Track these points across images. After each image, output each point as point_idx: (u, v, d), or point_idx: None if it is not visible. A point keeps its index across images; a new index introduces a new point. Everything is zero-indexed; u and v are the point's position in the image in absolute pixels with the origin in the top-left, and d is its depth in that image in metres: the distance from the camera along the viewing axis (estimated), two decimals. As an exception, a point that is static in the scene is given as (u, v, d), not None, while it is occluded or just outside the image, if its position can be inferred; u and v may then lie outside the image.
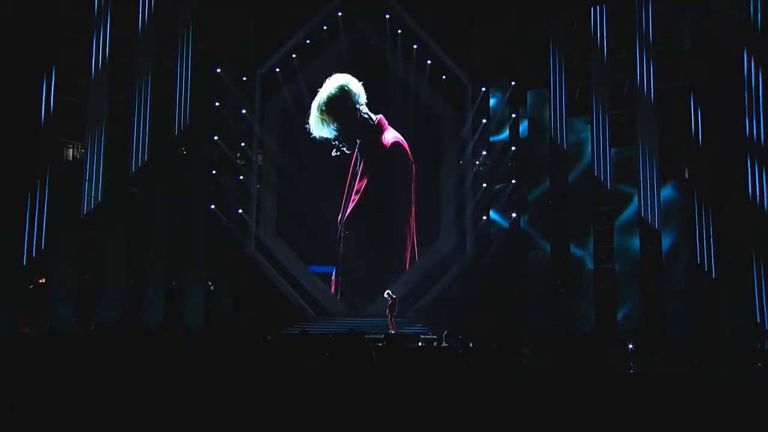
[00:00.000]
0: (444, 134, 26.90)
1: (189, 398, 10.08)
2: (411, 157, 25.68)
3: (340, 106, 25.48)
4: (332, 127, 25.38)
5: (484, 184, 25.80)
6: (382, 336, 18.20)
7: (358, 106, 25.52)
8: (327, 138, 25.56)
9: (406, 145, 25.61)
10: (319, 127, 25.42)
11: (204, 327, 21.23)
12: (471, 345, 16.48)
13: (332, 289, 25.67)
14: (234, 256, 24.25)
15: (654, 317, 20.69)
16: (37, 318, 19.01)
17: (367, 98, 25.75)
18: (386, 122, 25.79)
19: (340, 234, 25.43)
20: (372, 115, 25.64)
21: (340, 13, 26.23)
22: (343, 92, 25.54)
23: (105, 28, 20.72)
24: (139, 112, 21.43)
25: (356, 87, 25.53)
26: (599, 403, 10.40)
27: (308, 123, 25.53)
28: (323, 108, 25.39)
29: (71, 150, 21.75)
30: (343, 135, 25.38)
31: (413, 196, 25.72)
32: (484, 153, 26.09)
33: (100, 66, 20.53)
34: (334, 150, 25.39)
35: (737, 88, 20.00)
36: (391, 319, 21.55)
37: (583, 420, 9.81)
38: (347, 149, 25.45)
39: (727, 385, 11.81)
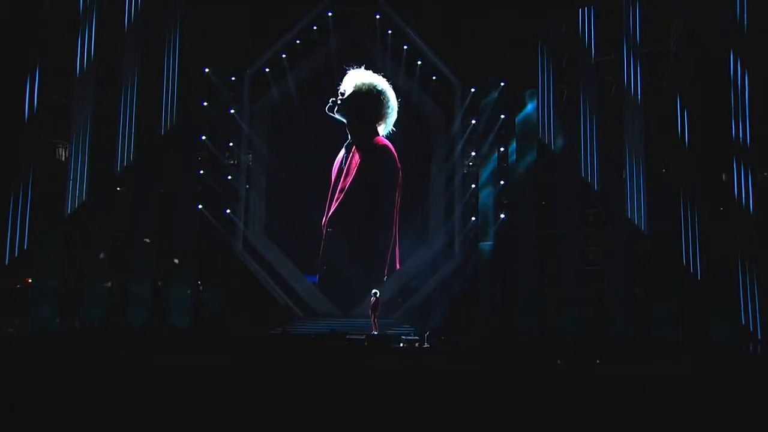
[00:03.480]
0: (433, 135, 26.81)
1: (172, 398, 10.05)
2: (398, 163, 25.35)
3: (375, 101, 25.36)
4: (352, 93, 25.07)
5: (473, 185, 25.79)
6: (364, 337, 18.18)
7: (380, 116, 25.44)
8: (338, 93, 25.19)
9: (394, 151, 25.31)
10: (350, 83, 25.15)
11: (190, 327, 21.22)
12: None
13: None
14: (221, 257, 24.18)
15: (641, 319, 20.75)
16: (22, 318, 18.97)
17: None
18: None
19: (324, 231, 25.30)
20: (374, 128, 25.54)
21: (330, 14, 26.10)
22: (389, 103, 25.43)
23: (91, 27, 20.68)
24: (125, 111, 21.40)
25: (393, 117, 25.45)
26: (585, 405, 10.38)
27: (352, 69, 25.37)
28: (371, 87, 25.25)
29: (63, 150, 21.61)
30: (344, 104, 25.02)
31: (398, 203, 25.42)
32: (473, 154, 26.06)
33: (85, 65, 20.47)
34: (330, 103, 24.89)
35: (724, 89, 20.08)
36: (373, 319, 21.55)
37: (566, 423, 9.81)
38: (335, 110, 24.96)
39: (711, 387, 11.80)
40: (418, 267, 25.69)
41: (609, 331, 20.56)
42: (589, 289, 22.21)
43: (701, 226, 20.32)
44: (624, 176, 21.72)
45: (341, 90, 24.80)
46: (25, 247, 19.18)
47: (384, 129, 25.36)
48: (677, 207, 20.68)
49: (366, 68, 25.68)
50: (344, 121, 24.92)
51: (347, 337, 16.96)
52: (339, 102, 24.66)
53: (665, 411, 9.94)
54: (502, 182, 25.11)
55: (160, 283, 22.15)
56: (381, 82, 25.21)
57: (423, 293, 25.20)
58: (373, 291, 22.31)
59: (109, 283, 21.25)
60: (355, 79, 24.97)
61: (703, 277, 20.01)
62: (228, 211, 25.06)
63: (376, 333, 20.73)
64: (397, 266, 25.31)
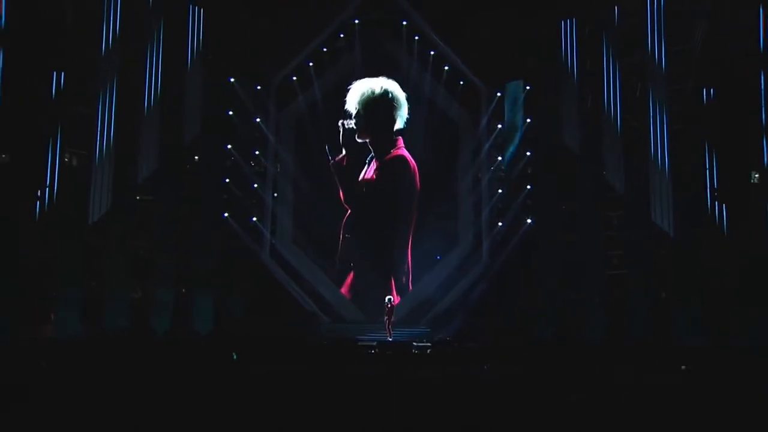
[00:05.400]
0: (460, 140, 26.70)
1: (191, 404, 10.17)
2: (417, 180, 25.25)
3: (385, 105, 25.26)
4: (363, 110, 25.01)
5: (500, 190, 25.57)
6: (375, 343, 18.10)
7: (395, 118, 25.33)
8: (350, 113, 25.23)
9: (414, 167, 25.22)
10: (357, 101, 25.11)
11: (213, 333, 21.43)
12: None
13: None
14: (246, 264, 24.38)
15: (664, 323, 20.32)
16: (45, 324, 19.39)
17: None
18: (402, 143, 25.47)
19: (342, 235, 25.36)
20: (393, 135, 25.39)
21: (357, 21, 26.15)
22: (397, 100, 25.32)
23: (114, 36, 21.11)
24: (149, 120, 21.79)
25: (405, 108, 25.36)
26: (596, 412, 10.17)
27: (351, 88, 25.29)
28: (379, 94, 25.15)
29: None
30: (361, 124, 24.92)
31: (414, 219, 25.30)
32: (499, 158, 25.85)
33: (109, 75, 20.93)
34: (346, 123, 24.92)
35: (751, 87, 19.55)
36: (388, 325, 21.50)
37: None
38: (357, 136, 24.97)
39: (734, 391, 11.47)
40: (449, 272, 25.54)
41: (631, 336, 20.12)
42: (615, 293, 21.85)
43: (729, 228, 19.85)
44: (649, 178, 21.28)
45: (352, 112, 24.84)
46: (49, 256, 19.63)
47: (399, 123, 25.29)
48: (703, 209, 20.24)
49: (391, 74, 25.75)
50: (368, 140, 24.94)
51: (358, 343, 16.93)
52: (357, 126, 24.67)
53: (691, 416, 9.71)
54: (528, 187, 24.86)
55: (183, 290, 22.43)
56: (383, 84, 25.23)
57: (450, 299, 25.01)
58: (387, 297, 22.26)
59: (133, 291, 21.60)
60: (360, 94, 25.03)
61: (729, 281, 19.49)
62: (254, 219, 25.23)
63: (390, 339, 20.70)
64: (410, 288, 25.21)
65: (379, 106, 25.10)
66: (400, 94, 25.35)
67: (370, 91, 25.03)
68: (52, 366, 13.69)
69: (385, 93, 25.14)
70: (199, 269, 22.70)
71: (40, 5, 19.76)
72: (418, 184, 25.23)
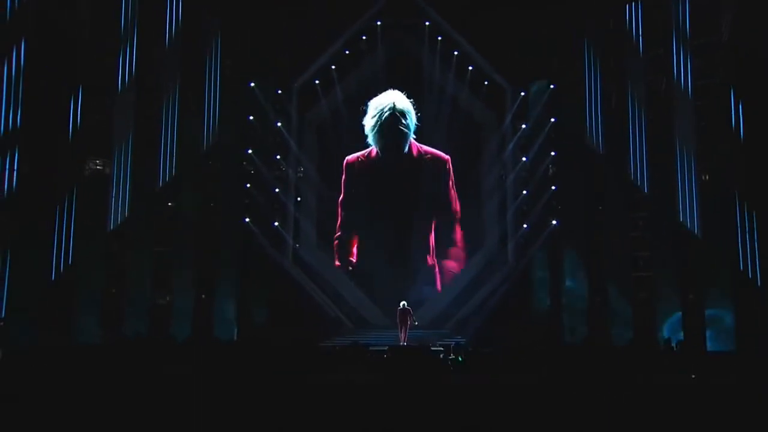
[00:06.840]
0: (484, 140, 26.36)
1: (208, 409, 10.11)
2: (445, 159, 25.38)
3: (410, 116, 25.22)
4: (387, 132, 25.08)
5: (524, 191, 25.15)
6: (387, 348, 17.86)
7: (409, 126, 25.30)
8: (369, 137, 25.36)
9: (434, 152, 25.39)
10: (376, 128, 25.12)
11: (235, 339, 21.44)
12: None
13: None
14: (268, 269, 24.29)
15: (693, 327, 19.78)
16: (64, 330, 19.50)
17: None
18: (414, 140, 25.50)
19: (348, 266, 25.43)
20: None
21: (379, 23, 25.95)
22: (406, 111, 25.16)
23: (132, 42, 21.23)
24: (167, 126, 21.86)
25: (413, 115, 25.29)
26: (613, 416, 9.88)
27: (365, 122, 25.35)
28: (399, 116, 24.99)
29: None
30: (393, 149, 25.10)
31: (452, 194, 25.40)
32: (524, 159, 25.41)
33: (127, 81, 21.05)
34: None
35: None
36: (402, 330, 21.31)
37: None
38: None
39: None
40: (474, 275, 25.24)
41: (658, 340, 19.60)
42: (641, 295, 21.35)
43: (759, 227, 19.24)
44: (675, 177, 20.77)
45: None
46: (70, 263, 19.78)
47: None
48: (732, 208, 19.65)
49: (414, 75, 25.75)
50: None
51: (370, 348, 16.74)
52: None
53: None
54: (553, 187, 24.42)
55: (203, 296, 22.46)
56: (387, 101, 25.11)
57: (474, 302, 24.66)
58: (402, 303, 22.00)
59: (153, 297, 21.68)
60: (375, 126, 25.06)
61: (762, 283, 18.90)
62: (276, 223, 25.11)
63: (404, 344, 20.50)
64: (439, 288, 25.17)
65: (406, 118, 25.11)
66: (405, 102, 25.23)
67: (382, 111, 25.04)
68: (68, 372, 13.70)
69: (403, 110, 25.03)
70: (219, 275, 22.71)
71: (58, 16, 19.89)
72: (448, 166, 25.52)
